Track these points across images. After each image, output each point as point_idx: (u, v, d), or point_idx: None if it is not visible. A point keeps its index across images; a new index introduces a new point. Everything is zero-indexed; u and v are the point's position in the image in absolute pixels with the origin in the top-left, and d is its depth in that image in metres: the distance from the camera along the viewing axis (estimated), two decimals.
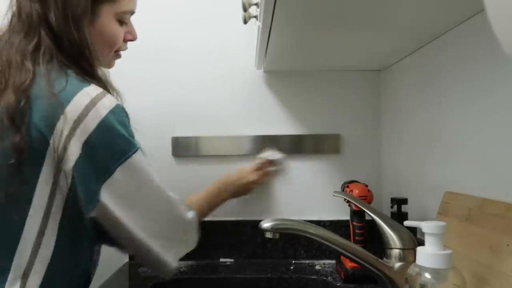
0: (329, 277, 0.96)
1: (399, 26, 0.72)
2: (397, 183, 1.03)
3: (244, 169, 1.00)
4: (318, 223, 1.08)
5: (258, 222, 0.69)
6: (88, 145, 0.58)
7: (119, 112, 0.62)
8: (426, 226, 0.53)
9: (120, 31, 0.72)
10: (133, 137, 0.64)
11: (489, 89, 0.63)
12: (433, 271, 0.51)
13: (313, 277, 0.98)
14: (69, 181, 0.57)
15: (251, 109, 1.14)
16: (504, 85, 0.60)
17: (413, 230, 0.69)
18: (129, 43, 0.79)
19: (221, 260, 1.12)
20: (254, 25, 0.80)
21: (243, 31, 1.09)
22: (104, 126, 0.59)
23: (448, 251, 0.52)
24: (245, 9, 0.69)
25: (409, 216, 0.88)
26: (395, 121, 1.04)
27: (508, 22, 0.25)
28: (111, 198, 0.60)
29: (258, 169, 1.00)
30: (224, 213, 1.13)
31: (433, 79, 0.82)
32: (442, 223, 0.53)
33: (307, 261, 1.09)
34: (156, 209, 0.68)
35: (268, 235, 0.67)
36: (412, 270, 0.54)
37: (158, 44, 1.13)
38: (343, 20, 0.68)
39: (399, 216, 0.86)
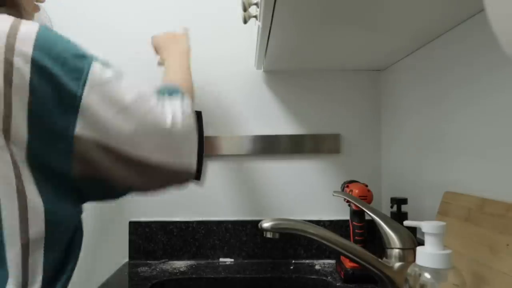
0: (329, 277, 0.96)
1: (399, 26, 0.72)
2: (397, 183, 1.03)
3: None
4: (318, 223, 1.08)
5: (258, 222, 0.69)
6: (36, 65, 0.50)
7: (48, 31, 0.53)
8: (426, 226, 0.53)
9: None
10: (79, 49, 0.55)
11: (489, 89, 0.63)
12: (433, 271, 0.51)
13: (313, 277, 0.98)
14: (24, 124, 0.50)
15: (251, 109, 1.14)
16: (504, 85, 0.60)
17: (413, 230, 0.69)
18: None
19: (221, 260, 1.12)
20: (254, 25, 0.80)
21: (243, 31, 1.09)
22: (44, 40, 0.51)
23: (448, 251, 0.52)
24: (245, 9, 0.69)
25: (409, 216, 0.88)
26: (395, 121, 1.04)
27: (508, 22, 0.25)
28: (89, 129, 0.52)
29: None
30: (224, 213, 1.13)
31: (433, 79, 0.82)
32: (442, 223, 0.53)
33: (307, 261, 1.09)
34: (145, 123, 0.56)
35: (268, 235, 0.67)
36: (412, 270, 0.54)
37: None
38: (343, 20, 0.68)
39: (399, 216, 0.86)
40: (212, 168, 1.14)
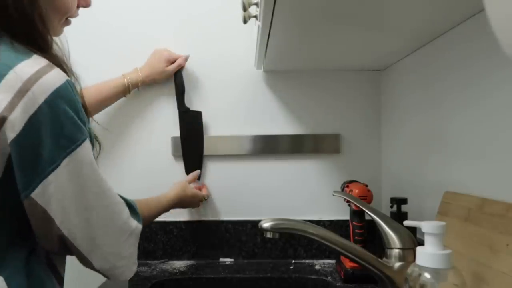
0: (329, 277, 0.96)
1: (399, 26, 0.72)
2: (397, 183, 1.03)
3: (197, 194, 1.01)
4: (318, 223, 1.08)
5: (258, 222, 0.69)
6: (33, 123, 0.50)
7: (70, 90, 0.54)
8: (426, 226, 0.53)
9: None
10: (83, 122, 0.56)
11: (489, 89, 0.63)
12: (433, 271, 0.51)
13: (313, 277, 0.98)
14: (5, 159, 0.51)
15: (250, 109, 1.14)
16: (504, 85, 0.60)
17: (413, 230, 0.69)
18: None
19: (221, 260, 1.12)
20: (254, 25, 0.80)
21: (243, 31, 1.09)
22: (52, 104, 0.51)
23: (448, 251, 0.52)
24: (244, 9, 0.69)
25: (409, 216, 0.88)
26: (395, 121, 1.04)
27: (508, 22, 0.25)
28: (49, 193, 0.53)
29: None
30: (224, 213, 1.13)
31: (433, 79, 0.82)
32: (442, 223, 0.53)
33: (307, 261, 1.09)
34: (98, 214, 0.58)
35: (268, 235, 0.67)
36: (411, 270, 0.54)
37: (155, 43, 1.13)
38: (343, 20, 0.68)
39: (399, 216, 0.86)
40: (212, 168, 1.14)
